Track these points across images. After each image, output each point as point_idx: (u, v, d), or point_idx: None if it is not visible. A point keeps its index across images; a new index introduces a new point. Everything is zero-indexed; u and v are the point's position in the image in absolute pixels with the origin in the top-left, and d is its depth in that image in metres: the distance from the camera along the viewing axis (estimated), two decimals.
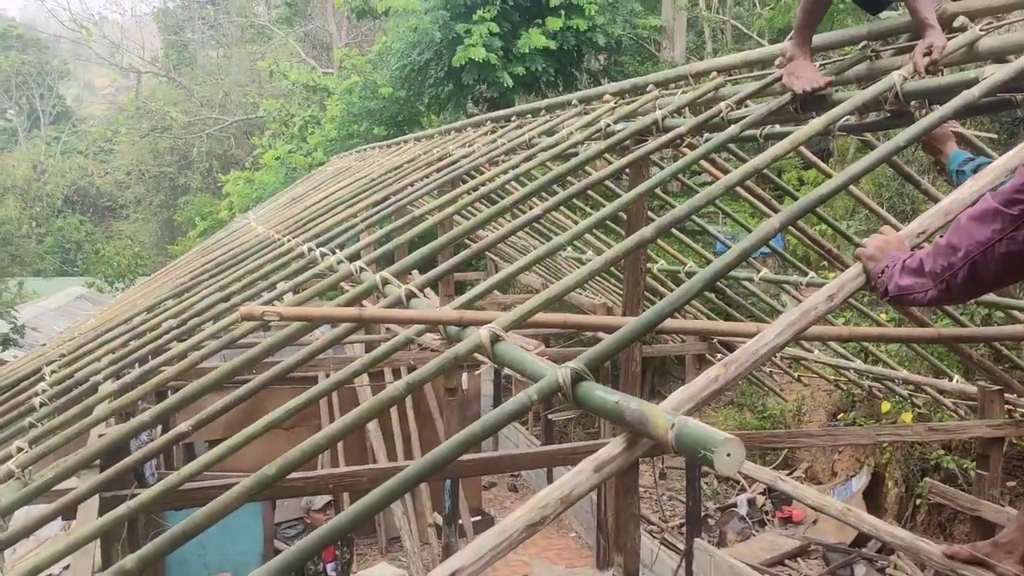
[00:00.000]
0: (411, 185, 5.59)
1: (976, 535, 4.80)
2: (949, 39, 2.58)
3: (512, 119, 5.79)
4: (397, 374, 10.29)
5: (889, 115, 2.68)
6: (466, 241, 7.15)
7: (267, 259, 4.99)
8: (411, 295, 2.92)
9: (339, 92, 16.80)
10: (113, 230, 34.36)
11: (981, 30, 2.54)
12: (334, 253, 4.28)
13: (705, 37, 18.72)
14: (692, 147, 4.33)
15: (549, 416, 6.16)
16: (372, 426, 9.69)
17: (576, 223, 7.91)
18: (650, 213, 5.63)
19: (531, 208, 6.20)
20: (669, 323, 3.06)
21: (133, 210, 35.28)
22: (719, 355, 8.92)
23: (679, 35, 17.25)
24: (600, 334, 6.79)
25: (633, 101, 4.51)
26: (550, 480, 11.87)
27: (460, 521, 8.54)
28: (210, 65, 36.24)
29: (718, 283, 8.66)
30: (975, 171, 2.45)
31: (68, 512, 3.40)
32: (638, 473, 4.61)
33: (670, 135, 3.43)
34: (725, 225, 13.79)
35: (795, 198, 7.30)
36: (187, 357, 3.63)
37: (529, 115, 5.66)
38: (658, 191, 5.99)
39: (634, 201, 4.01)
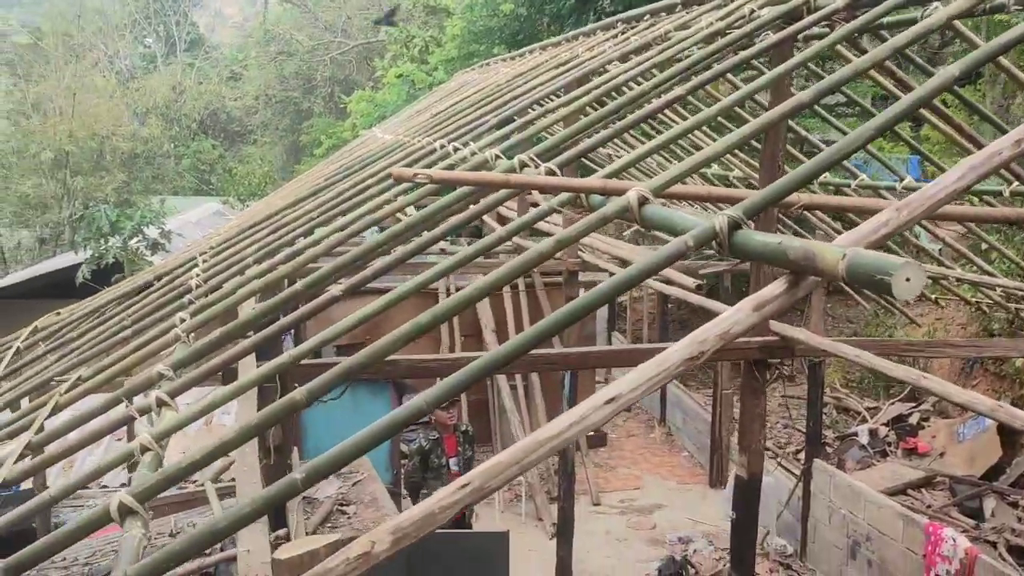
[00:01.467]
0: (536, 88, 5.55)
1: None
2: None
3: (645, 18, 5.63)
4: (514, 288, 10.44)
5: None
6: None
7: (400, 156, 5.10)
8: (550, 172, 2.93)
9: (460, 11, 16.72)
10: (242, 154, 35.84)
11: None
12: (467, 146, 4.33)
13: None
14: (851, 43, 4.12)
15: (701, 273, 6.05)
16: (490, 338, 9.91)
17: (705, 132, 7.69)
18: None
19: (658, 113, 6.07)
20: (818, 198, 2.91)
21: (260, 134, 36.61)
22: None
23: None
24: None
25: None
26: (663, 400, 11.88)
27: None
28: None
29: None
30: None
31: (229, 374, 3.66)
32: (766, 374, 4.55)
33: (821, 12, 3.26)
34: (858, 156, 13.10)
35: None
36: (329, 238, 3.79)
37: (663, 13, 5.48)
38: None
39: (777, 83, 3.86)
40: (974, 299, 7.31)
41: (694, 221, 2.02)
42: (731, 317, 1.68)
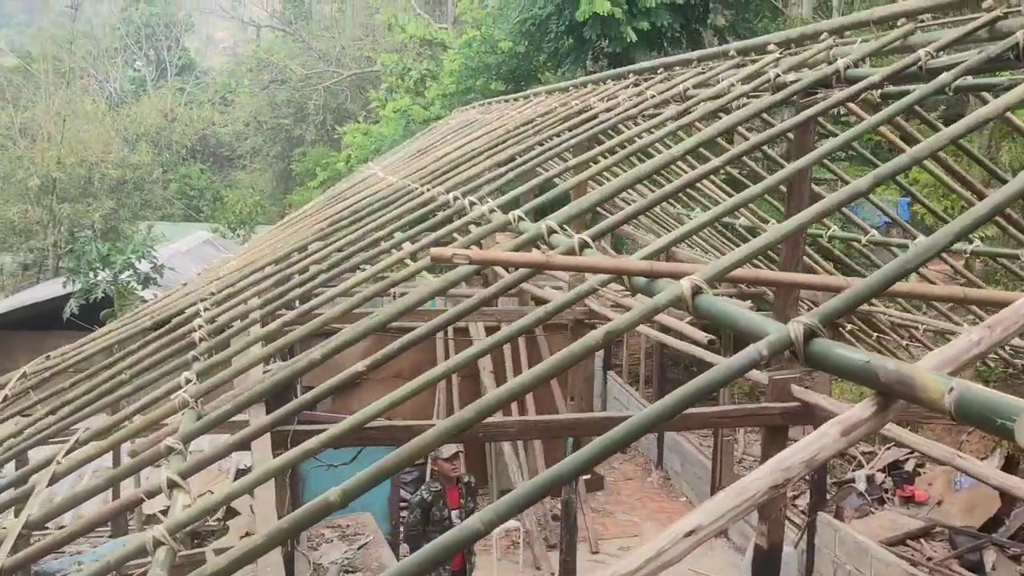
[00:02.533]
0: (548, 140, 5.46)
1: None
2: None
3: (659, 71, 5.58)
4: (513, 340, 10.29)
5: None
6: (602, 210, 6.98)
7: (411, 206, 4.99)
8: (584, 244, 2.82)
9: (458, 46, 16.76)
10: (231, 179, 35.65)
11: None
12: (483, 202, 4.23)
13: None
14: (868, 103, 4.06)
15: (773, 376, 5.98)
16: (488, 380, 9.76)
17: (719, 185, 7.65)
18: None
19: (679, 172, 6.00)
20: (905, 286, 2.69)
21: (250, 160, 36.46)
22: (839, 328, 8.53)
23: None
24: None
25: (798, 52, 4.25)
26: (660, 444, 11.73)
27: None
28: (325, 20, 36.86)
29: (836, 252, 8.28)
30: None
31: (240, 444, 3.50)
32: (785, 437, 4.44)
33: (858, 86, 3.19)
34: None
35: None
36: (345, 301, 3.67)
37: (678, 67, 5.43)
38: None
39: (800, 170, 3.81)
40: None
41: (760, 325, 1.91)
42: (816, 442, 1.57)
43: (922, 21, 3.56)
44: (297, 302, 4.32)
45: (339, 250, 4.68)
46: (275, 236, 8.04)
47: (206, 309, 5.05)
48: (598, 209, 10.89)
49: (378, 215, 5.28)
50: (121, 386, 4.26)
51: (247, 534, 6.18)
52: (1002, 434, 1.29)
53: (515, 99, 9.38)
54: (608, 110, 5.25)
